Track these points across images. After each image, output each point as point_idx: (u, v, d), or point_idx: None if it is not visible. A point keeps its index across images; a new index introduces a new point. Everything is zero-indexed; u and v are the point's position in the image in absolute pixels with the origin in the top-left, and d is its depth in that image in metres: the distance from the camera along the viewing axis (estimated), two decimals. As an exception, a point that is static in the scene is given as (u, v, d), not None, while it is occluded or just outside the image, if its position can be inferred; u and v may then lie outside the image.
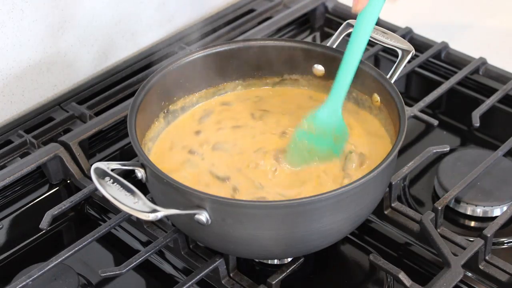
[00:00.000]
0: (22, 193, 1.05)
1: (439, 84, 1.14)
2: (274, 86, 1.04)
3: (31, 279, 0.87)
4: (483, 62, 1.18)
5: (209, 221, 0.81)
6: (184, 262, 0.95)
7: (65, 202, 0.97)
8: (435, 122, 1.08)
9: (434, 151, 1.01)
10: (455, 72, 1.18)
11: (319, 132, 0.95)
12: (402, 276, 0.87)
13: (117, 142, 1.14)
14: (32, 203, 1.05)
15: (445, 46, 1.21)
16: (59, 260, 0.89)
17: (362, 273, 0.96)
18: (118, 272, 0.87)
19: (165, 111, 0.99)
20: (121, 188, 0.79)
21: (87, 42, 1.19)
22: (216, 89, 1.04)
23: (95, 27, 1.19)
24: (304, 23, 1.35)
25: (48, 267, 0.89)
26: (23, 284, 0.87)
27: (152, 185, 0.86)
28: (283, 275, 0.89)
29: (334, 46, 1.00)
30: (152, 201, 0.83)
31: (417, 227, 0.96)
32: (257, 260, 0.95)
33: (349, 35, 0.99)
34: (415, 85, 1.24)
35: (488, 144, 1.12)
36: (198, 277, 0.88)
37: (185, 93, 1.01)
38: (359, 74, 0.98)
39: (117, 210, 0.99)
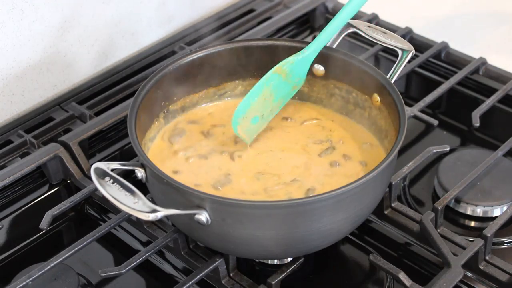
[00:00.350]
0: (22, 193, 1.05)
1: (439, 84, 1.14)
2: None
3: (31, 279, 0.87)
4: (483, 62, 1.18)
5: (209, 221, 0.81)
6: (184, 262, 0.95)
7: (65, 202, 0.97)
8: (435, 122, 1.08)
9: (434, 151, 1.01)
10: (455, 72, 1.18)
11: (287, 77, 0.98)
12: (402, 276, 0.87)
13: (117, 142, 1.14)
14: (32, 203, 1.05)
15: (445, 46, 1.21)
16: (59, 260, 0.89)
17: (362, 273, 0.96)
18: (118, 272, 0.87)
19: (165, 111, 0.99)
20: (121, 188, 0.79)
21: (87, 42, 1.19)
22: (216, 89, 1.04)
23: (95, 27, 1.19)
24: (304, 23, 1.35)
25: (48, 267, 0.89)
26: (23, 284, 0.87)
27: (152, 185, 0.86)
28: (283, 275, 0.89)
29: (334, 46, 1.00)
30: (152, 201, 0.83)
31: (417, 227, 0.96)
32: (257, 260, 0.95)
33: (349, 35, 1.00)
34: (415, 85, 1.24)
35: (488, 144, 1.12)
36: (198, 277, 0.88)
37: (185, 93, 1.01)
38: (359, 74, 0.98)
39: (117, 210, 0.99)
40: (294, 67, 0.98)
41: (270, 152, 0.96)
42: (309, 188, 0.90)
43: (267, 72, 1.03)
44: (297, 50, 1.00)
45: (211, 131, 0.99)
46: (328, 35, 0.98)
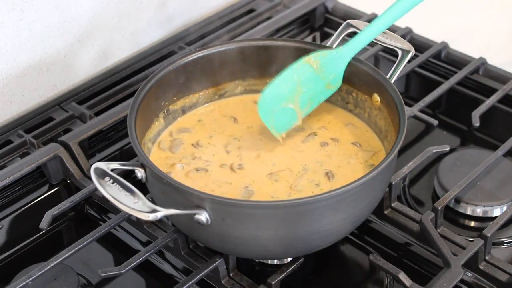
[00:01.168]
0: (22, 193, 1.05)
1: (439, 84, 1.14)
2: None
3: (31, 279, 0.87)
4: (483, 62, 1.18)
5: (209, 221, 0.81)
6: (184, 262, 0.95)
7: (65, 202, 0.97)
8: (435, 122, 1.08)
9: (434, 151, 1.01)
10: (455, 72, 1.18)
11: (319, 70, 0.96)
12: (402, 276, 0.87)
13: (117, 142, 1.14)
14: (32, 203, 1.05)
15: (445, 46, 1.21)
16: (59, 260, 0.89)
17: (362, 273, 0.96)
18: (118, 272, 0.87)
19: (165, 111, 0.99)
20: (121, 188, 0.79)
21: (87, 42, 1.19)
22: (216, 89, 1.04)
23: (95, 27, 1.19)
24: (304, 23, 1.35)
25: (48, 267, 0.89)
26: (23, 284, 0.87)
27: (152, 185, 0.86)
28: (283, 275, 0.89)
29: (334, 46, 1.00)
30: (152, 201, 0.83)
31: (417, 227, 0.96)
32: (257, 260, 0.95)
33: (349, 35, 0.99)
34: (415, 85, 1.24)
35: (488, 144, 1.12)
36: (198, 277, 0.88)
37: (185, 93, 1.01)
38: (359, 74, 0.98)
39: (117, 210, 0.99)
40: (327, 62, 0.96)
41: (262, 151, 0.96)
42: (326, 171, 0.91)
43: (267, 72, 1.03)
44: (297, 50, 1.00)
45: (201, 141, 0.98)
46: (369, 36, 0.96)
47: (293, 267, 0.90)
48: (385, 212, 0.98)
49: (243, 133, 0.99)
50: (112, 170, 0.81)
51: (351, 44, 0.96)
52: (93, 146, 1.12)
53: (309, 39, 1.33)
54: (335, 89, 0.98)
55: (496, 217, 0.94)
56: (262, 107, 0.96)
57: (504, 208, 0.99)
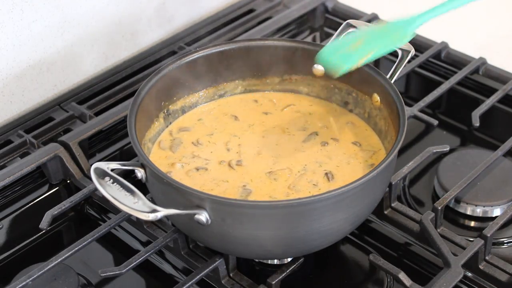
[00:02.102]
0: (22, 193, 1.05)
1: (439, 84, 1.14)
2: (274, 86, 1.05)
3: (31, 279, 0.87)
4: (483, 62, 1.18)
5: (209, 221, 0.81)
6: (184, 262, 0.95)
7: (65, 202, 0.97)
8: (435, 122, 1.08)
9: (434, 151, 1.01)
10: (455, 72, 1.18)
11: (382, 28, 0.96)
12: (402, 276, 0.87)
13: (117, 142, 1.14)
14: (32, 203, 1.05)
15: (445, 46, 1.21)
16: (59, 260, 0.89)
17: (362, 273, 0.96)
18: (118, 272, 0.87)
19: (165, 111, 0.99)
20: (121, 188, 0.79)
21: (87, 42, 1.19)
22: (216, 89, 1.04)
23: (95, 27, 1.19)
24: (304, 23, 1.35)
25: (48, 267, 0.89)
26: (23, 284, 0.87)
27: (152, 185, 0.86)
28: (283, 275, 0.89)
29: (334, 46, 1.00)
30: (152, 201, 0.83)
31: (417, 227, 0.96)
32: (257, 260, 0.95)
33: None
34: (415, 85, 1.24)
35: (488, 144, 1.12)
36: (198, 277, 0.88)
37: (185, 93, 1.01)
38: (359, 74, 0.98)
39: (117, 210, 0.99)
40: (391, 24, 0.95)
41: (264, 149, 0.96)
42: (326, 172, 0.91)
43: (267, 72, 1.04)
44: (297, 50, 1.00)
45: (201, 140, 0.98)
46: (438, 11, 0.96)
47: (293, 267, 0.90)
48: (385, 212, 0.98)
49: (244, 131, 0.99)
50: (112, 170, 0.81)
51: (422, 13, 0.95)
52: (93, 146, 1.12)
53: (309, 39, 1.33)
54: (400, 44, 0.95)
55: (496, 217, 0.95)
56: (321, 56, 0.94)
57: (504, 208, 0.99)
